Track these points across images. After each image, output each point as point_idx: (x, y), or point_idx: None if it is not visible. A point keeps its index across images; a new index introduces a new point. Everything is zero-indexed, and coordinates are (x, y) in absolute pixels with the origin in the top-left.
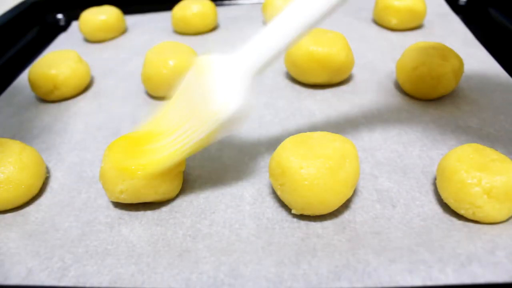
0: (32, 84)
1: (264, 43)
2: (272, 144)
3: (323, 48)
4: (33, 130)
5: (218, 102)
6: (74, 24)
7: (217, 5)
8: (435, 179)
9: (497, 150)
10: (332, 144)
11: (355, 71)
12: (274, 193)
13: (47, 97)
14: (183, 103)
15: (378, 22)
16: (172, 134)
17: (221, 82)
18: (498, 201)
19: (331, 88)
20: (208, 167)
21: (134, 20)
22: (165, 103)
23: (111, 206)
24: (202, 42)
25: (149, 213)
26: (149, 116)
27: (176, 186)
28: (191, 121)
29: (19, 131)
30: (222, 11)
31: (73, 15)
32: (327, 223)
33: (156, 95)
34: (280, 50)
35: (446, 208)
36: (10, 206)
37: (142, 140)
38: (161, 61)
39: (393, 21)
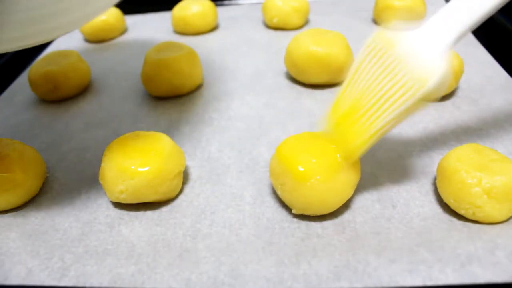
0: (32, 84)
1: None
2: (272, 144)
3: (323, 48)
4: (33, 130)
5: (425, 69)
6: None
7: (217, 5)
8: (435, 179)
9: (497, 150)
10: (333, 144)
11: None
12: (274, 193)
13: (47, 97)
14: (367, 80)
15: (378, 22)
16: (365, 113)
17: (417, 52)
18: (498, 201)
19: (331, 88)
20: (208, 167)
21: (134, 20)
22: (344, 84)
23: (111, 206)
24: (202, 42)
25: (149, 213)
26: (149, 115)
27: (176, 186)
28: (385, 96)
29: (19, 131)
30: (222, 11)
31: None
32: (327, 223)
33: (156, 95)
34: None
35: (446, 208)
36: (10, 206)
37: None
38: (161, 61)
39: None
